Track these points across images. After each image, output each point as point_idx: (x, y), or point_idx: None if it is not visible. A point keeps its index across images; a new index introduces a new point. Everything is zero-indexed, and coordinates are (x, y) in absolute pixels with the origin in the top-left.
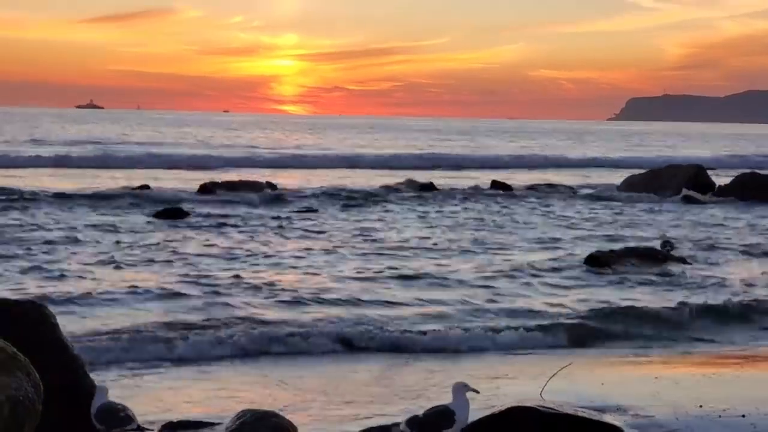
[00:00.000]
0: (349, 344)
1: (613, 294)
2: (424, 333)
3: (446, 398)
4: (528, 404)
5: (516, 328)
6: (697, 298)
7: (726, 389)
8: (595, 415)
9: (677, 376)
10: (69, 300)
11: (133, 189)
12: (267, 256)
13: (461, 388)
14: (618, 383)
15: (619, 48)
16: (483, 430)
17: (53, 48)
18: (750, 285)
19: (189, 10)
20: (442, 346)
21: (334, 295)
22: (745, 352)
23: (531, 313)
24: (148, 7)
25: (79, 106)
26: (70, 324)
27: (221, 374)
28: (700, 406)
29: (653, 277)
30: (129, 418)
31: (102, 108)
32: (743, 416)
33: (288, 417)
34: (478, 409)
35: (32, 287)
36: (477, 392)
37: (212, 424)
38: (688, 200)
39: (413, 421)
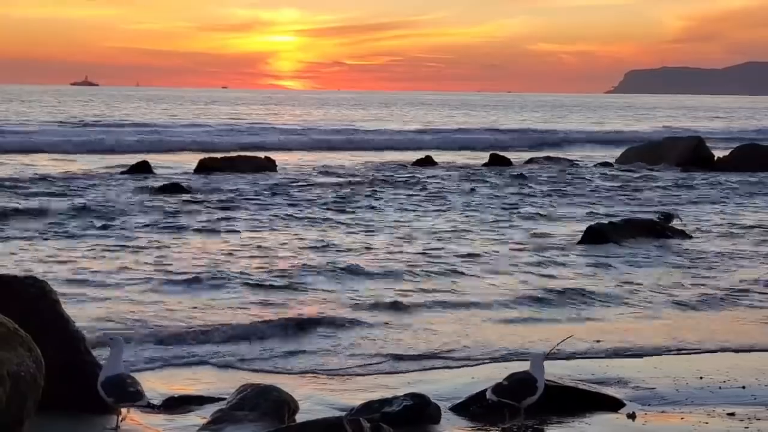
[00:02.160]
0: None
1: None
2: None
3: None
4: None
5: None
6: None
7: (726, 360)
8: (596, 388)
9: (678, 347)
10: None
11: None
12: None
13: (541, 357)
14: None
15: (618, 21)
16: (483, 402)
17: (51, 26)
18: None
19: None
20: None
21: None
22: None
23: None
24: None
25: (74, 84)
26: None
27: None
28: (701, 378)
29: (655, 251)
30: (139, 394)
31: (97, 85)
32: (743, 387)
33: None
34: (477, 381)
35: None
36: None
37: (214, 400)
38: (687, 171)
39: (500, 389)
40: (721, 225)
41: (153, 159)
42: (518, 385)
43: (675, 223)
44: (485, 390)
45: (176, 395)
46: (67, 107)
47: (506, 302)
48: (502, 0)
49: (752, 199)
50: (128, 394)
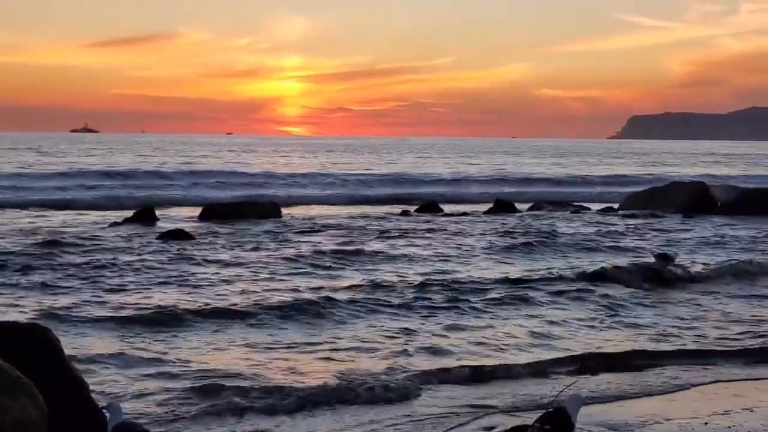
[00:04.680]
0: None
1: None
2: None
3: None
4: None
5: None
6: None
7: (731, 403)
8: None
9: (682, 393)
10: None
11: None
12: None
13: (578, 399)
14: (624, 400)
15: (622, 67)
16: None
17: (57, 73)
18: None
19: (195, 34)
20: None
21: None
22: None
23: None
24: (154, 31)
25: (73, 131)
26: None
27: None
28: (705, 424)
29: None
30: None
31: (97, 132)
32: None
33: None
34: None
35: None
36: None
37: None
38: (691, 217)
39: None
40: (723, 270)
41: (158, 206)
42: (557, 426)
43: (673, 265)
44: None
45: None
46: (64, 157)
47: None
48: (506, 46)
49: (755, 243)
50: None
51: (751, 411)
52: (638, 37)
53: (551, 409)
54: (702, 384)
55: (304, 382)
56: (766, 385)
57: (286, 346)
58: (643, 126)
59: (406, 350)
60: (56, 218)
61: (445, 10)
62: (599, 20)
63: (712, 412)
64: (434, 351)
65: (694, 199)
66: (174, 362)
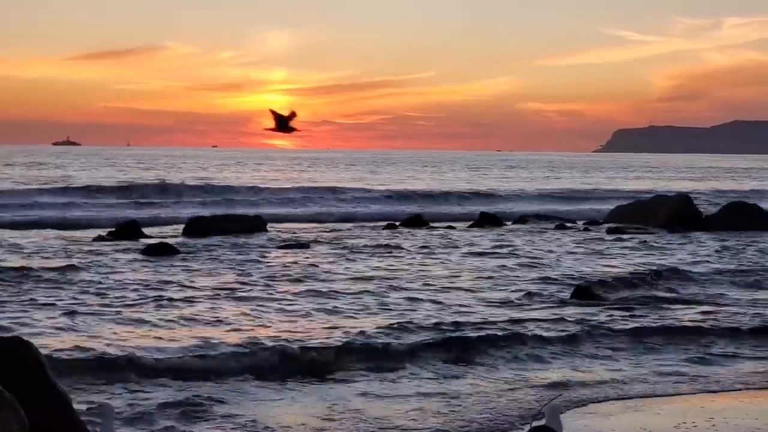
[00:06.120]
0: None
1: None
2: None
3: None
4: None
5: None
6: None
7: (716, 415)
8: None
9: (667, 406)
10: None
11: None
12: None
13: (556, 409)
14: (605, 415)
15: (607, 80)
16: None
17: (41, 85)
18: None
19: (179, 47)
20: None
21: None
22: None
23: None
24: (138, 44)
25: (55, 143)
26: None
27: None
28: None
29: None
30: None
31: (79, 144)
32: None
33: None
34: None
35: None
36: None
37: None
38: (675, 231)
39: None
40: (708, 282)
41: (142, 221)
42: None
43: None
44: None
45: None
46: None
47: None
48: (490, 59)
49: (737, 255)
50: None
51: (735, 424)
52: (623, 51)
53: (536, 425)
54: (689, 394)
55: None
56: (751, 397)
57: None
58: (628, 139)
59: None
60: (35, 236)
61: (429, 24)
62: (584, 34)
63: (697, 423)
64: None
65: (678, 213)
66: None
